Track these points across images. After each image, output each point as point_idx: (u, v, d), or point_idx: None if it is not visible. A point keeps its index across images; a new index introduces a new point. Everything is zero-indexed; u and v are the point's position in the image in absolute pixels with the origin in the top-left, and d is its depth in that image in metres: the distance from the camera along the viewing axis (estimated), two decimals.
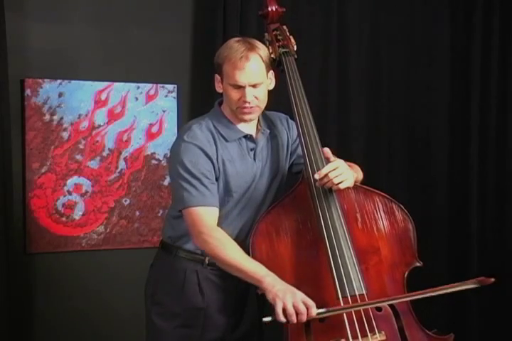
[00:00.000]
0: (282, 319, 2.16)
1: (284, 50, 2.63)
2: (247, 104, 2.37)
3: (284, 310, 2.16)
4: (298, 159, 2.57)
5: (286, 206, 2.42)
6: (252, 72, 2.34)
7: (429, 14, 3.97)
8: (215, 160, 2.39)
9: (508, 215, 3.99)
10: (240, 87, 2.35)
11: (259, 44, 2.42)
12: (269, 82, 2.45)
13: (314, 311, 2.18)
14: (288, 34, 2.70)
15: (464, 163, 3.99)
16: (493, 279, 2.27)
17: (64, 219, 3.37)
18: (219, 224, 2.38)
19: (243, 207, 2.45)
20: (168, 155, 2.57)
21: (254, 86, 2.35)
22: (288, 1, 3.60)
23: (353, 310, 2.26)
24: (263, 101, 2.41)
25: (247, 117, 2.41)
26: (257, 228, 2.38)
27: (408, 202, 3.79)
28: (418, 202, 3.89)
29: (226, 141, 2.42)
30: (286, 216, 2.40)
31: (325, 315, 2.22)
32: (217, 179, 2.40)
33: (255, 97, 2.37)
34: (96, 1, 3.40)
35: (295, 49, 2.66)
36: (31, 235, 3.30)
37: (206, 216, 2.34)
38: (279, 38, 2.67)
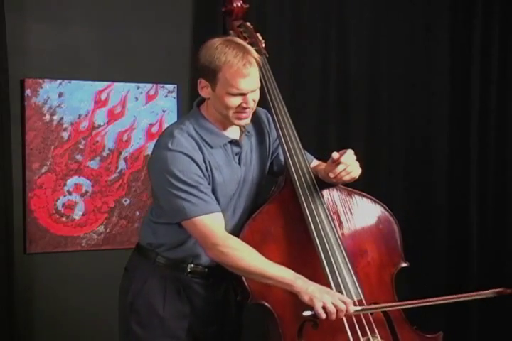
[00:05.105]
0: (323, 316, 2.14)
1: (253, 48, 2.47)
2: (247, 110, 2.24)
3: (324, 309, 2.14)
4: (276, 159, 2.49)
5: (271, 211, 2.34)
6: (254, 78, 2.22)
7: (429, 14, 3.97)
8: (203, 168, 2.25)
9: (508, 216, 3.99)
10: (242, 94, 2.22)
11: (247, 44, 2.31)
12: None
13: (352, 308, 2.17)
14: (254, 31, 2.61)
15: (465, 163, 3.99)
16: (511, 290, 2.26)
17: (64, 219, 3.37)
18: None
19: (228, 217, 2.32)
20: (150, 164, 2.37)
21: (253, 90, 2.25)
22: (288, 2, 3.63)
23: (384, 310, 2.30)
24: (256, 102, 2.30)
25: (243, 122, 2.28)
26: (242, 236, 2.28)
27: (408, 202, 3.85)
28: (418, 203, 3.90)
29: (211, 147, 2.29)
30: (271, 222, 2.33)
31: (361, 312, 2.23)
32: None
33: (253, 101, 2.26)
34: (96, 1, 3.40)
35: (263, 46, 2.56)
36: (31, 235, 3.30)
37: (215, 225, 2.23)
38: (245, 35, 2.58)
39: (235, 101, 2.22)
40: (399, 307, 2.34)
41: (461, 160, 4.00)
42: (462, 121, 4.00)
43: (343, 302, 2.16)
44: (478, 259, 3.97)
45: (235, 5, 2.66)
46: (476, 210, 3.97)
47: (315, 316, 2.15)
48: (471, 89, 3.97)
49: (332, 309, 2.14)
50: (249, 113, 2.27)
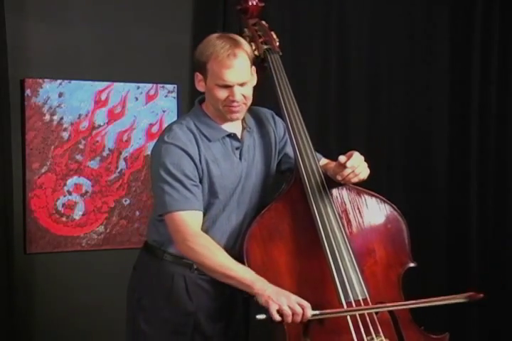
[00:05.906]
0: (278, 318, 2.12)
1: (266, 46, 2.53)
2: (235, 103, 2.28)
3: (279, 311, 2.12)
4: (285, 158, 2.51)
5: (279, 209, 2.35)
6: (240, 70, 2.25)
7: (429, 14, 3.97)
8: (197, 161, 2.30)
9: (508, 216, 3.99)
10: (228, 87, 2.26)
11: (241, 39, 2.34)
12: (253, 78, 2.37)
13: (309, 312, 2.14)
14: (268, 30, 2.61)
15: (465, 163, 3.99)
16: (482, 295, 2.21)
17: (64, 219, 3.37)
18: (207, 230, 2.32)
19: (231, 211, 2.37)
20: (150, 158, 2.46)
21: (241, 84, 2.27)
22: (288, 2, 3.63)
23: (348, 314, 2.23)
24: (249, 99, 2.33)
25: (234, 116, 2.32)
26: (250, 233, 2.30)
27: (407, 202, 3.85)
28: (418, 202, 3.89)
29: (209, 140, 2.34)
30: (279, 219, 2.33)
31: (320, 317, 2.18)
32: (201, 180, 2.31)
33: (243, 96, 2.29)
34: (96, 1, 3.41)
35: (277, 44, 2.58)
36: (31, 235, 3.30)
37: (190, 221, 2.26)
38: (260, 33, 2.58)
39: (222, 94, 2.28)
40: (370, 311, 2.27)
41: (461, 161, 4.00)
42: (462, 121, 4.00)
43: (301, 305, 2.14)
44: (478, 259, 3.97)
45: (250, 3, 2.65)
46: (476, 210, 3.97)
47: (271, 320, 2.12)
48: (471, 89, 3.97)
49: (287, 312, 2.12)
50: (239, 108, 2.30)
